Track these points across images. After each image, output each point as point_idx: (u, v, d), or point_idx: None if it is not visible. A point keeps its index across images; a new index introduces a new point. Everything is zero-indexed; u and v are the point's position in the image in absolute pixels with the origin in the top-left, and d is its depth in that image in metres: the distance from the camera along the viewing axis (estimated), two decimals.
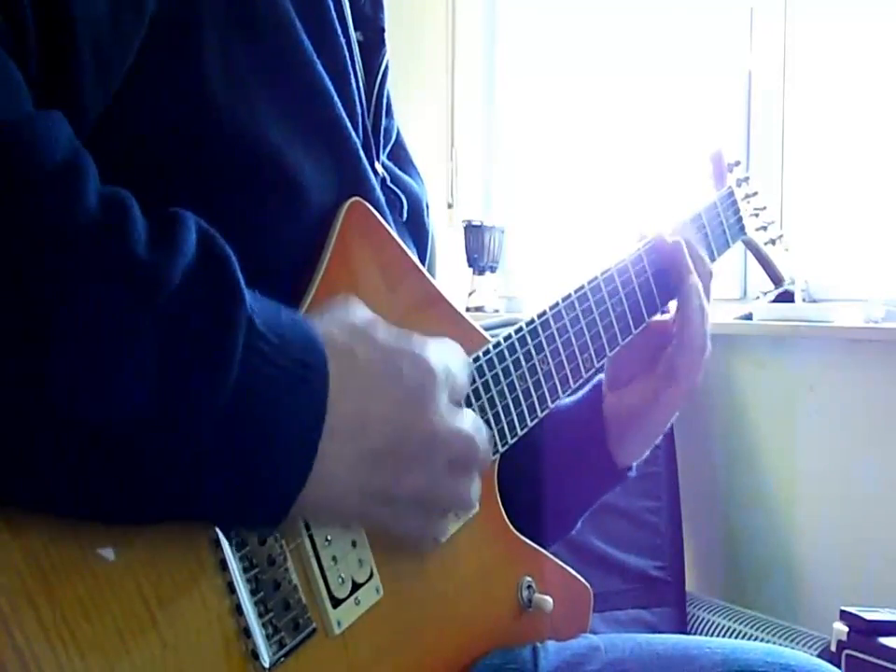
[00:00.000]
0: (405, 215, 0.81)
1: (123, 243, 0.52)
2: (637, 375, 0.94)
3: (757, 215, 1.12)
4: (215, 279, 0.55)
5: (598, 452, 0.94)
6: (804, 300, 2.18)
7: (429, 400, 0.63)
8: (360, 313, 0.64)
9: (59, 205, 0.50)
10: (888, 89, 2.24)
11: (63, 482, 0.51)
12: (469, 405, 0.76)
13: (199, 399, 0.53)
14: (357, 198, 0.71)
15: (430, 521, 0.66)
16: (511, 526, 0.82)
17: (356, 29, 0.77)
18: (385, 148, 0.83)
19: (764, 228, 1.13)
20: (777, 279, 1.16)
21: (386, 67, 0.82)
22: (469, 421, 0.66)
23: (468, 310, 2.74)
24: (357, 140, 0.73)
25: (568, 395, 0.89)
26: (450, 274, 2.79)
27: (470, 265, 2.90)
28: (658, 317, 0.96)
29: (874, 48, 2.27)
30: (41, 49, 0.54)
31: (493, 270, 2.91)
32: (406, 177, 0.84)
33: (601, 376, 0.97)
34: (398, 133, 0.89)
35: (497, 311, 2.82)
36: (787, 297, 2.06)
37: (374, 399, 0.61)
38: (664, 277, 0.95)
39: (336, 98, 0.71)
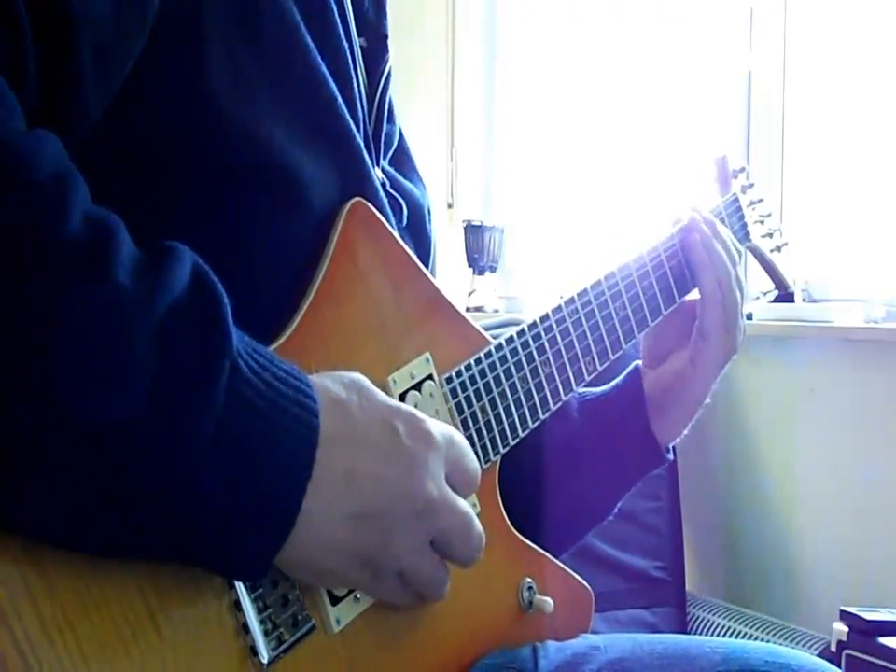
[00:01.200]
0: (405, 220, 0.81)
1: (104, 266, 0.51)
2: (673, 350, 0.96)
3: (762, 222, 1.12)
4: (202, 317, 0.53)
5: (641, 430, 0.95)
6: (803, 300, 2.18)
7: (426, 465, 0.60)
8: (360, 375, 0.62)
9: (41, 223, 0.49)
10: (887, 89, 2.24)
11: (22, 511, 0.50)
12: (469, 406, 0.76)
13: (178, 441, 0.51)
14: (360, 198, 0.71)
15: (406, 594, 0.64)
16: (512, 527, 0.82)
17: (359, 34, 0.77)
18: (385, 154, 0.83)
19: (770, 235, 1.13)
20: (782, 286, 1.17)
21: (389, 73, 0.82)
22: (466, 505, 0.64)
23: (467, 310, 2.74)
24: (360, 142, 0.73)
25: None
26: (450, 274, 2.78)
27: (470, 265, 2.90)
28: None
29: (873, 48, 2.28)
30: (40, 50, 0.54)
31: (493, 270, 2.91)
32: (407, 183, 0.84)
33: (637, 362, 0.99)
34: (401, 139, 0.88)
35: (496, 311, 2.82)
36: (787, 297, 2.05)
37: (367, 455, 0.58)
38: (680, 268, 0.95)
39: (340, 100, 0.70)
